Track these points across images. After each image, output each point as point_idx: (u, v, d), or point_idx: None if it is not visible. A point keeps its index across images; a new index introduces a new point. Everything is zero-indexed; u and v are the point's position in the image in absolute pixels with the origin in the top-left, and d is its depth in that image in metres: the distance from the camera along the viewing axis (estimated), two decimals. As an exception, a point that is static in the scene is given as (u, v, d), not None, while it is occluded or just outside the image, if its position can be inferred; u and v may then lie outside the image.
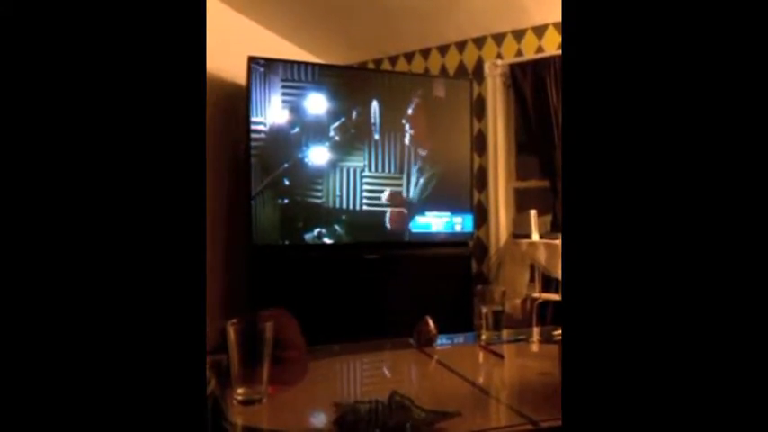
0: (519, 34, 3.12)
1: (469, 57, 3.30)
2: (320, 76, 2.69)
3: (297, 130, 2.56)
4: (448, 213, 2.82)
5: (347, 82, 2.73)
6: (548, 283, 2.62)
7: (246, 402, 0.71)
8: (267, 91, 2.50)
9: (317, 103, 2.60)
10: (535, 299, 2.58)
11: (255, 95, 2.47)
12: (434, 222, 2.79)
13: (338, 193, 2.62)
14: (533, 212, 2.71)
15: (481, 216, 3.21)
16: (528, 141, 3.10)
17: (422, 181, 2.77)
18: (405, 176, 2.74)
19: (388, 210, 2.68)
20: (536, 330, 1.23)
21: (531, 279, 2.66)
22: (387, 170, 2.71)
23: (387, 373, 0.97)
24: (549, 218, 2.84)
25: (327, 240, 2.58)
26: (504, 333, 1.10)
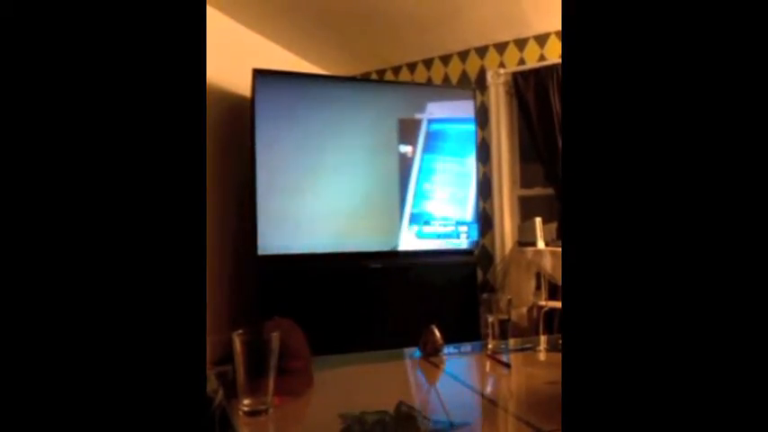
0: (521, 43, 3.14)
1: (472, 66, 3.32)
2: (324, 87, 2.71)
3: (302, 140, 2.57)
4: (453, 222, 2.82)
5: (351, 92, 2.75)
6: (554, 291, 2.60)
7: (252, 413, 0.71)
8: (272, 102, 2.52)
9: (321, 114, 2.62)
10: (541, 307, 2.56)
11: (260, 107, 2.49)
12: (439, 231, 2.79)
13: (343, 202, 2.63)
14: (538, 220, 2.70)
15: (486, 224, 3.21)
16: (532, 149, 3.11)
17: (427, 189, 2.78)
18: (409, 185, 2.75)
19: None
20: (543, 339, 1.22)
21: (538, 287, 2.64)
22: (391, 179, 2.72)
23: (393, 383, 0.96)
24: (554, 225, 2.83)
25: (333, 250, 2.58)
26: (511, 342, 1.09)
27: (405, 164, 2.77)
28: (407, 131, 2.78)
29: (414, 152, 2.78)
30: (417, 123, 2.78)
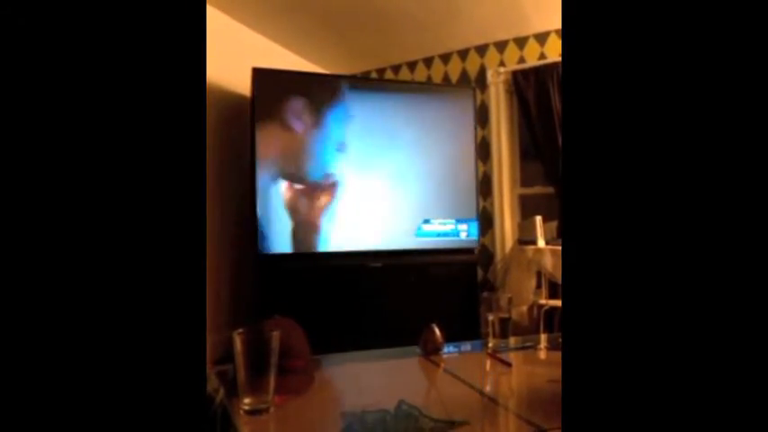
0: (521, 41, 3.13)
1: (472, 64, 3.31)
2: (324, 85, 2.71)
3: (301, 139, 2.57)
4: (453, 221, 2.81)
5: (351, 91, 2.75)
6: (554, 290, 2.60)
7: (253, 412, 0.71)
8: (271, 102, 2.52)
9: (320, 113, 2.61)
10: (542, 305, 2.56)
11: (260, 106, 2.49)
12: (439, 230, 2.79)
13: (344, 201, 2.63)
14: (539, 218, 2.70)
15: (486, 223, 3.21)
16: (532, 148, 3.10)
17: (427, 188, 2.78)
18: (410, 184, 2.75)
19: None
20: (543, 337, 1.22)
21: (538, 286, 2.64)
22: (392, 178, 2.72)
23: (393, 381, 0.97)
24: (554, 224, 2.83)
25: (333, 249, 2.58)
26: (511, 340, 1.09)
27: (412, 160, 2.77)
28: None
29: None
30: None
